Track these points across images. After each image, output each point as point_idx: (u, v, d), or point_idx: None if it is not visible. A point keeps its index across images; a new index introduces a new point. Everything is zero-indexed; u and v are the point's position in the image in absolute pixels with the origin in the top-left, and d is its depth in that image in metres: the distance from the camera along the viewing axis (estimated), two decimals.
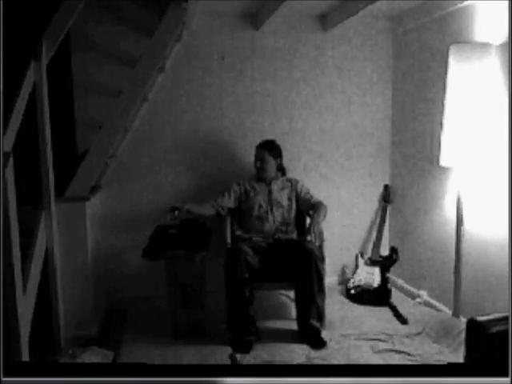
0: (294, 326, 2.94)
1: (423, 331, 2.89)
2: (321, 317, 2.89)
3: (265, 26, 3.44)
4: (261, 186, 3.24)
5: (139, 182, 3.51)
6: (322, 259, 2.91)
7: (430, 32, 3.20)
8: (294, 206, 3.24)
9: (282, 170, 3.34)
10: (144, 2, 3.15)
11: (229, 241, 3.22)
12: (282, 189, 3.25)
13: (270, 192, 3.22)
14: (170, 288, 2.93)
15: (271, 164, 3.21)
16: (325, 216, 3.07)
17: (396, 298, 3.43)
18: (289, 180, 3.30)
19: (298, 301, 2.91)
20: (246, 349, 2.75)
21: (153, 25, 2.89)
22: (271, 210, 3.18)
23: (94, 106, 3.15)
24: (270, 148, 3.23)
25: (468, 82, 2.59)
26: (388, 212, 3.79)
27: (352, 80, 3.71)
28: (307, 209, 3.23)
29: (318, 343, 2.76)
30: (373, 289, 3.41)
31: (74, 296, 2.83)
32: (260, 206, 3.19)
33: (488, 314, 1.70)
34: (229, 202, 3.22)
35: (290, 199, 3.24)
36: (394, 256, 3.41)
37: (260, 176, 3.24)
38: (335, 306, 3.32)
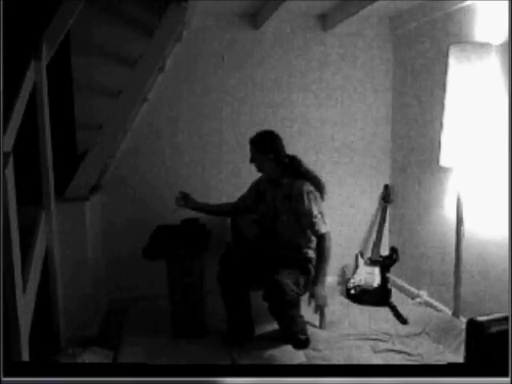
0: None
1: (423, 331, 2.89)
2: (295, 336, 2.76)
3: (265, 26, 3.44)
4: (270, 187, 2.86)
5: (139, 181, 3.51)
6: (293, 295, 2.61)
7: (430, 32, 3.20)
8: (296, 223, 2.78)
9: (292, 165, 2.82)
10: (144, 2, 3.15)
11: (228, 240, 3.23)
12: (285, 199, 2.78)
13: (273, 199, 2.84)
14: (170, 288, 2.93)
15: (262, 161, 2.79)
16: (329, 258, 2.71)
17: (396, 298, 3.43)
18: (291, 187, 2.76)
19: None
20: (239, 342, 2.78)
21: (153, 25, 2.88)
22: (275, 222, 2.84)
23: (94, 106, 3.15)
24: (255, 143, 2.81)
25: (468, 82, 2.59)
26: (388, 212, 3.79)
27: (352, 80, 3.71)
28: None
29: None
30: (373, 289, 3.41)
31: (74, 296, 2.83)
32: (264, 213, 2.90)
33: (488, 314, 1.70)
34: (247, 201, 3.02)
35: (289, 213, 2.78)
36: (394, 256, 3.41)
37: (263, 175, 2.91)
38: (335, 306, 3.32)
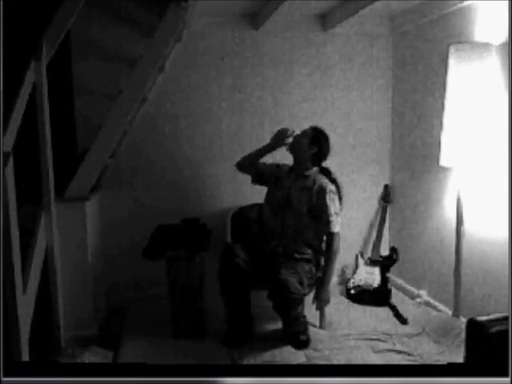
0: None
1: (423, 331, 2.89)
2: (296, 336, 2.79)
3: (265, 25, 3.44)
4: (289, 177, 2.93)
5: (139, 181, 3.51)
6: (298, 292, 2.64)
7: (430, 32, 3.20)
8: (305, 215, 2.83)
9: (317, 163, 2.93)
10: (144, 2, 3.14)
11: (228, 240, 3.22)
12: (304, 189, 2.85)
13: (290, 188, 2.88)
14: (170, 288, 2.93)
15: (305, 147, 2.84)
16: (336, 259, 2.81)
17: (396, 298, 3.43)
18: (315, 182, 2.85)
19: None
20: (239, 343, 2.78)
21: (153, 25, 2.88)
22: (284, 209, 2.88)
23: (93, 106, 3.15)
24: (315, 132, 2.88)
25: (468, 82, 2.59)
26: (388, 212, 3.79)
27: (352, 80, 3.71)
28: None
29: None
30: (373, 289, 3.41)
31: (73, 296, 2.83)
32: (277, 199, 2.91)
33: (488, 314, 1.70)
34: (260, 171, 3.01)
35: (304, 205, 2.83)
36: (394, 256, 3.41)
37: (292, 155, 2.92)
38: (335, 306, 3.31)
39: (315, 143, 2.86)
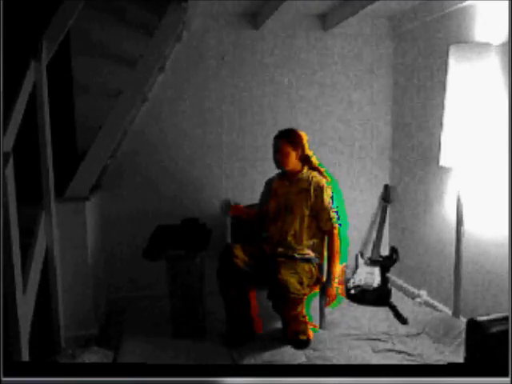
0: None
1: (423, 331, 2.89)
2: (296, 336, 2.78)
3: (265, 26, 3.44)
4: (283, 183, 2.94)
5: (139, 181, 3.51)
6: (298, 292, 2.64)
7: (430, 32, 3.20)
8: (307, 217, 2.84)
9: (307, 162, 2.93)
10: (144, 2, 3.15)
11: (228, 240, 3.22)
12: (301, 192, 2.86)
13: (287, 193, 2.89)
14: (170, 288, 2.93)
15: (290, 154, 2.85)
16: (339, 255, 2.84)
17: (396, 298, 3.43)
18: (310, 182, 2.85)
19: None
20: (239, 343, 2.78)
21: (153, 25, 2.89)
22: (283, 214, 2.87)
23: (93, 105, 3.15)
24: (287, 137, 2.87)
25: (468, 82, 2.59)
26: (388, 212, 3.79)
27: (352, 80, 3.71)
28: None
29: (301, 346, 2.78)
30: (373, 289, 3.41)
31: (74, 296, 2.83)
32: (274, 207, 2.92)
33: (488, 314, 1.70)
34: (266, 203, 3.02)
35: (302, 207, 2.84)
36: (394, 256, 3.41)
37: (280, 169, 2.93)
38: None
39: (298, 146, 2.87)
